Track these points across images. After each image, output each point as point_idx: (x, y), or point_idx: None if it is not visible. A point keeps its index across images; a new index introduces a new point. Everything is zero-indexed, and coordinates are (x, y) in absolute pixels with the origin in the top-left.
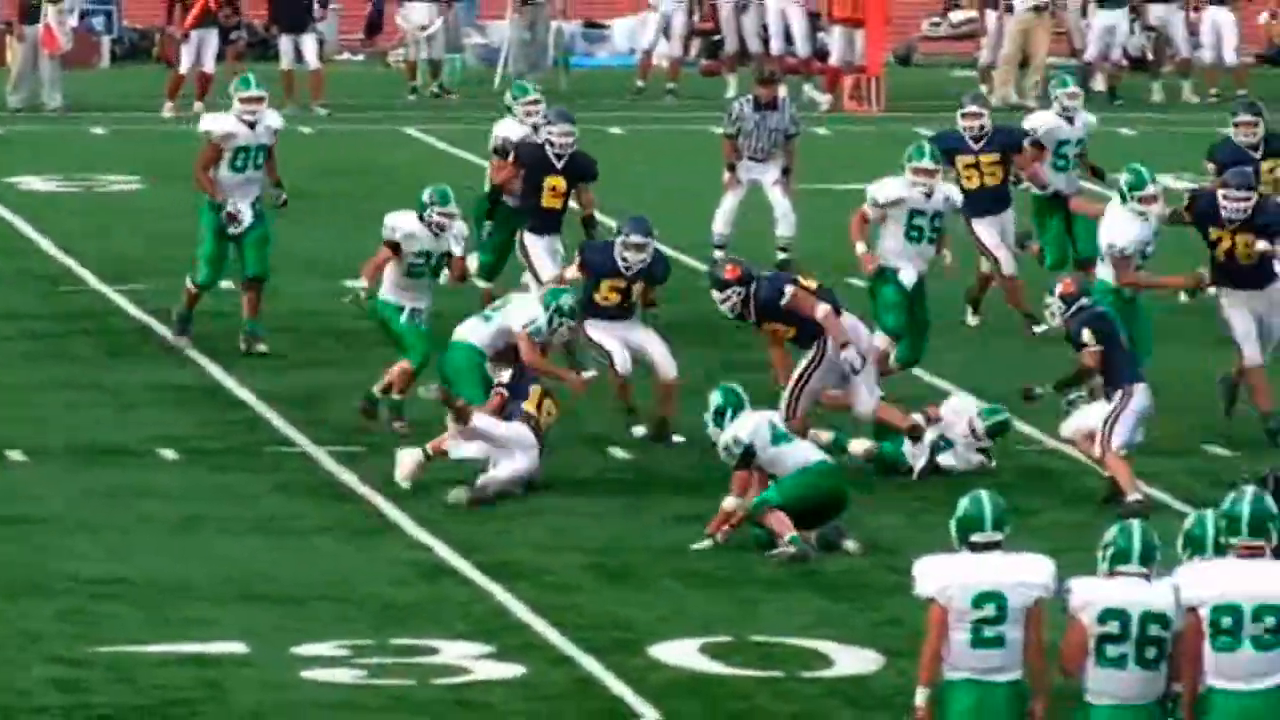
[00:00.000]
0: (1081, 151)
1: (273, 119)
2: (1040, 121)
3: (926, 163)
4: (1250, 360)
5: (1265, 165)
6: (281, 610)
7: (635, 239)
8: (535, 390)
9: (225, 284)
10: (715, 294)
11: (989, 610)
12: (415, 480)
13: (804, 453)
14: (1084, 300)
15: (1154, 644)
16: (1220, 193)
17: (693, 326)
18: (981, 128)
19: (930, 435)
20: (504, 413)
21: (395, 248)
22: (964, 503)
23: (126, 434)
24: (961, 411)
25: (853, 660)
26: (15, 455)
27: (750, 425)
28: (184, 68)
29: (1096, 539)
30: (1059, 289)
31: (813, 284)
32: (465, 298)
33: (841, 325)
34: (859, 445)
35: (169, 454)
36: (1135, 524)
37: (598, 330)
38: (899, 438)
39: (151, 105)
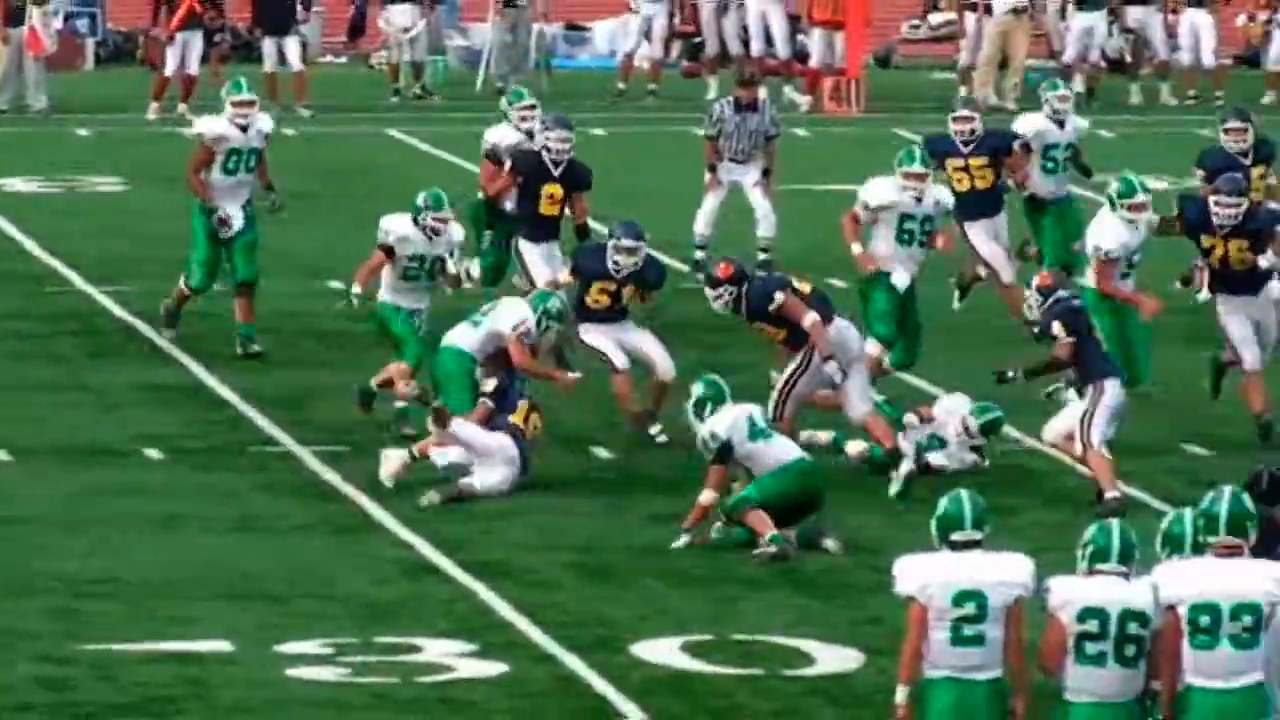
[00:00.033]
0: (1072, 155)
1: (264, 122)
2: (1029, 125)
3: (916, 167)
4: (1250, 365)
5: (1255, 172)
6: (265, 608)
7: (627, 243)
8: (523, 405)
9: (215, 286)
10: (708, 291)
11: (969, 609)
12: (399, 480)
13: (782, 450)
14: (1060, 293)
15: (1133, 642)
16: (1211, 199)
17: (672, 326)
18: (972, 131)
19: (922, 435)
20: (490, 424)
21: (389, 251)
22: (944, 502)
23: (111, 434)
24: (954, 411)
25: (834, 658)
26: (1, 455)
27: (729, 420)
28: (169, 70)
29: (1076, 538)
30: (1036, 282)
31: (807, 288)
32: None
33: (828, 336)
34: (854, 447)
35: (154, 453)
36: (1114, 523)
37: (592, 334)
38: None
39: (135, 107)
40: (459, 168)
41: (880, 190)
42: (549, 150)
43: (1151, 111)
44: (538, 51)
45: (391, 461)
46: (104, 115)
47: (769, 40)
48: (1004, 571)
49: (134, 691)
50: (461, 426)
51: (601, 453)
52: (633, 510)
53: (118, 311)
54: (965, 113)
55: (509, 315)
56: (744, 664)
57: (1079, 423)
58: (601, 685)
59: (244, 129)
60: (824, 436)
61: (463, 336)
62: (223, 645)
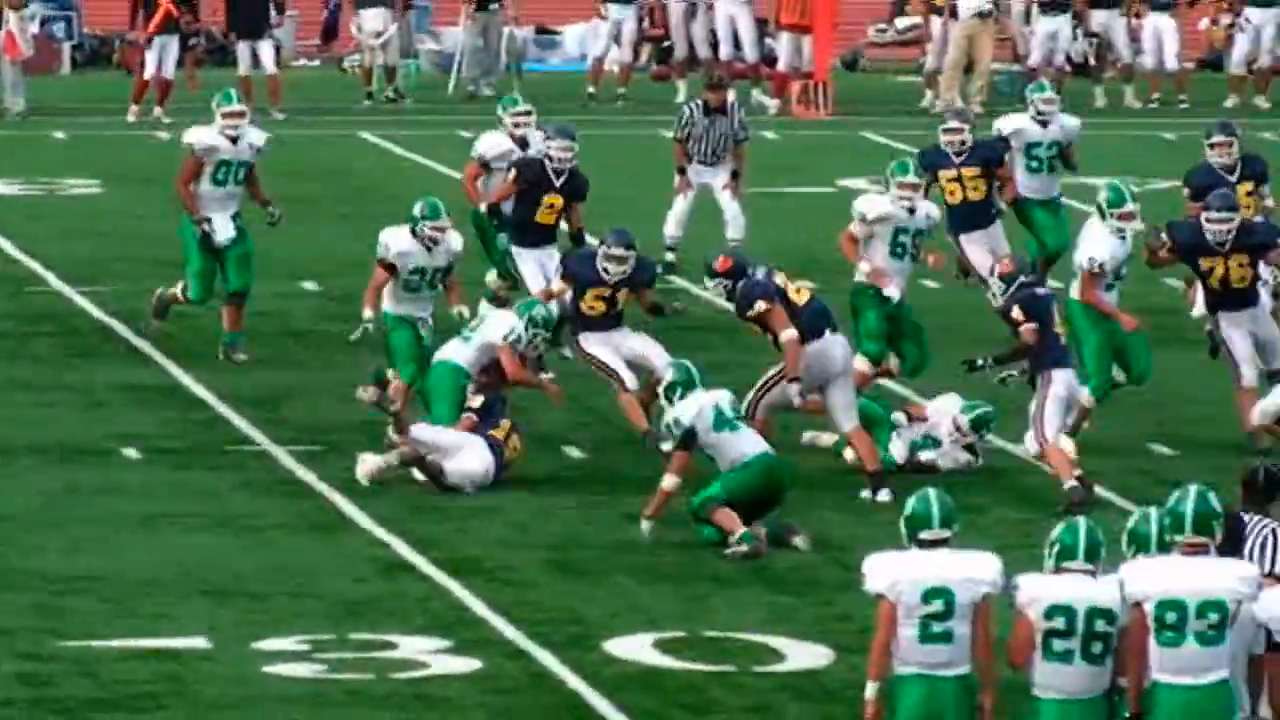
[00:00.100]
0: (1060, 154)
1: (255, 136)
2: (1011, 124)
3: (911, 177)
4: (1247, 382)
5: (1243, 188)
6: (242, 605)
7: (616, 251)
8: (505, 423)
9: None
10: (707, 281)
11: (937, 606)
12: (375, 480)
13: (748, 443)
14: (1022, 278)
15: (1100, 639)
16: (1203, 216)
17: (648, 325)
18: (963, 142)
19: (916, 435)
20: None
21: (390, 268)
22: (912, 501)
23: (90, 433)
24: (946, 411)
25: (804, 655)
26: None
27: (695, 408)
28: (148, 73)
29: (1043, 536)
30: (998, 269)
31: (804, 297)
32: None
33: (806, 352)
34: (851, 452)
35: (131, 453)
36: (1081, 521)
37: (594, 344)
38: (886, 446)
39: (111, 110)
40: (431, 170)
41: (875, 203)
42: (551, 159)
43: (1116, 115)
44: (509, 55)
45: (368, 461)
46: (80, 118)
47: (737, 44)
48: (971, 569)
49: (114, 688)
50: (423, 430)
51: (575, 452)
52: (606, 508)
53: (95, 312)
54: (955, 124)
55: (498, 326)
56: (715, 660)
57: (1032, 421)
58: (574, 681)
59: (234, 140)
60: (826, 439)
61: (456, 351)
62: (201, 642)
